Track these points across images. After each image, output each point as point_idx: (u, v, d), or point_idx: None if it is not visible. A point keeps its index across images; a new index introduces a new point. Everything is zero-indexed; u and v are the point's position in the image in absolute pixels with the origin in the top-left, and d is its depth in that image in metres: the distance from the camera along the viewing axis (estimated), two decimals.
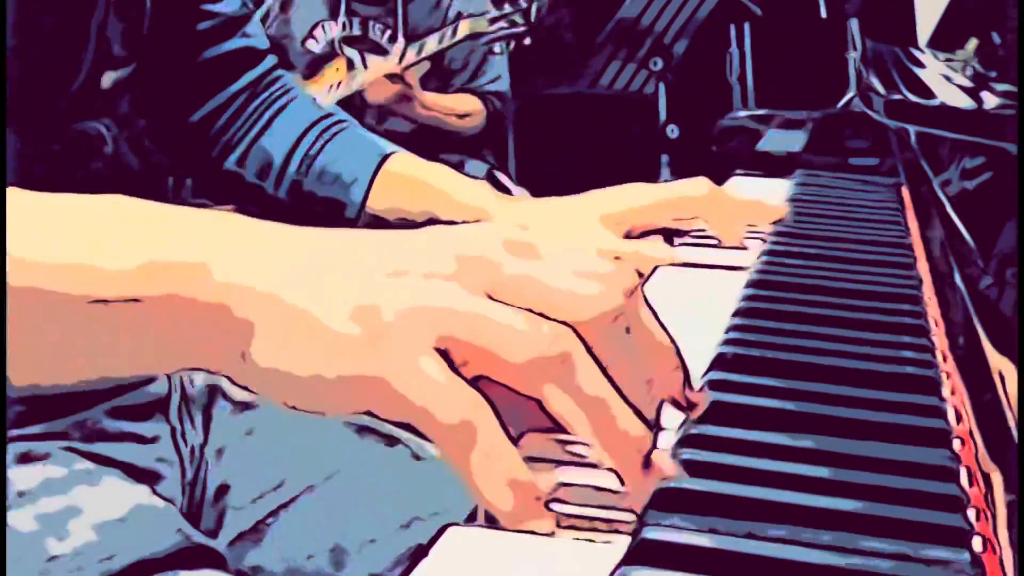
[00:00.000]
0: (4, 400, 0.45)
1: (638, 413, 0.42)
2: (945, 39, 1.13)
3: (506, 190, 2.53)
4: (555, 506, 0.48)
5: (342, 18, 2.60)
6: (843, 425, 0.54)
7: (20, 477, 0.75)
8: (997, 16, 0.93)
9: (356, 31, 2.61)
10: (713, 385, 0.59)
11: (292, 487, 0.86)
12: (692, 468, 0.49)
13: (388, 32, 2.59)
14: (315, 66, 2.57)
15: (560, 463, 0.52)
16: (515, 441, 0.41)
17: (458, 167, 1.14)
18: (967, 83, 0.92)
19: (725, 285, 0.79)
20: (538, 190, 1.51)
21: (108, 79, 0.83)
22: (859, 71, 1.27)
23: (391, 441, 0.89)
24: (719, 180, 0.98)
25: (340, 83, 2.52)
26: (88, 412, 0.81)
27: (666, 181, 1.10)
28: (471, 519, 0.49)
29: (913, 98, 0.97)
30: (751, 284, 0.78)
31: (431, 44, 2.49)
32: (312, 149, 0.97)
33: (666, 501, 0.47)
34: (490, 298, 0.42)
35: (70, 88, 0.79)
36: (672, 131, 3.26)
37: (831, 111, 1.61)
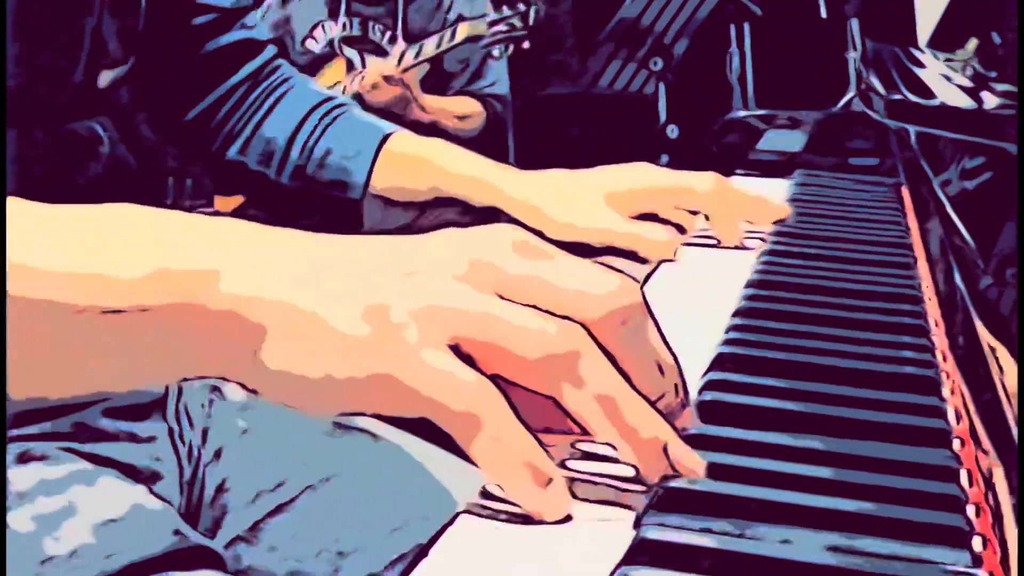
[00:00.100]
0: (3, 401, 0.45)
1: (653, 407, 0.42)
2: (945, 39, 1.13)
3: None
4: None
5: (342, 18, 2.60)
6: (843, 425, 0.54)
7: (17, 477, 0.75)
8: (997, 16, 0.93)
9: (356, 31, 2.61)
10: (713, 385, 0.59)
11: (291, 487, 0.86)
12: None
13: (388, 33, 2.59)
14: (315, 66, 2.57)
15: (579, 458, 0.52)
16: (531, 431, 0.41)
17: None
18: (967, 83, 0.92)
19: (725, 285, 0.79)
20: None
21: (105, 78, 0.83)
22: (859, 71, 1.27)
23: (390, 442, 0.89)
24: None
25: (341, 84, 2.52)
26: (85, 412, 0.81)
27: None
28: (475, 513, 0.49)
29: (913, 98, 0.97)
30: (751, 284, 0.78)
31: (429, 47, 2.49)
32: (313, 133, 0.98)
33: (666, 501, 0.46)
34: (500, 298, 0.42)
35: (66, 88, 0.79)
36: (672, 131, 3.26)
37: (831, 111, 1.61)
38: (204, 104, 0.97)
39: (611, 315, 0.43)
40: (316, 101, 1.01)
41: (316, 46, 2.60)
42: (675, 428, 0.45)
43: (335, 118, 0.99)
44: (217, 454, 0.87)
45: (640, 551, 0.43)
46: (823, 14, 3.14)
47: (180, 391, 0.88)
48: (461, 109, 2.61)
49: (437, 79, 2.61)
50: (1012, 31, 0.87)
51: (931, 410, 0.57)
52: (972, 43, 1.00)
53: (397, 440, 0.91)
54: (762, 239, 0.93)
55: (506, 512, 0.45)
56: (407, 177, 0.96)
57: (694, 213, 0.94)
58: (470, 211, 0.95)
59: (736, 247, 0.92)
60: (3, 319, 0.42)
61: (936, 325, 0.70)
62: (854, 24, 2.77)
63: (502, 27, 2.49)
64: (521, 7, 2.48)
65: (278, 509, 0.85)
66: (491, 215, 0.90)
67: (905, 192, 1.09)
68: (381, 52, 2.56)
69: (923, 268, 0.84)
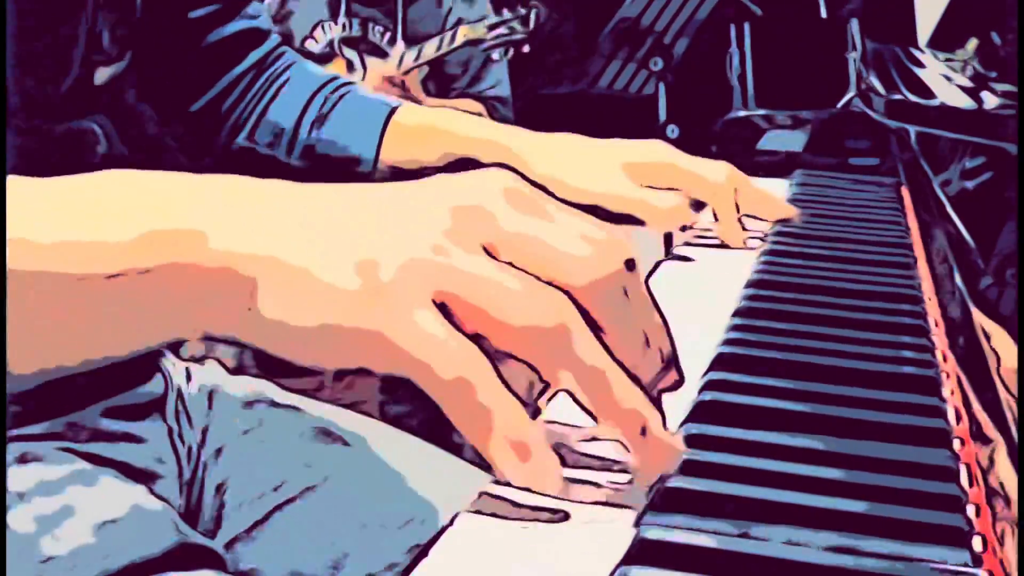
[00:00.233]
0: (4, 401, 0.45)
1: (637, 383, 0.42)
2: (945, 39, 1.13)
3: None
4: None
5: (342, 19, 2.60)
6: (843, 425, 0.54)
7: (16, 477, 0.75)
8: (997, 16, 0.93)
9: (356, 32, 2.61)
10: (713, 385, 0.59)
11: (291, 488, 0.86)
12: (692, 468, 0.48)
13: (388, 34, 2.59)
14: None
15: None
16: (523, 403, 0.41)
17: None
18: (967, 83, 0.92)
19: (725, 285, 0.79)
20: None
21: (101, 75, 0.82)
22: (859, 71, 1.27)
23: (389, 442, 0.89)
24: None
25: None
26: (84, 412, 0.81)
27: None
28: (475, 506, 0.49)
29: (913, 98, 0.97)
30: (751, 284, 0.78)
31: (429, 50, 2.50)
32: (321, 112, 0.99)
33: (666, 501, 0.46)
34: (488, 253, 0.42)
35: (62, 86, 0.79)
36: (672, 131, 3.26)
37: (831, 111, 1.61)
38: (211, 94, 0.98)
39: (597, 283, 0.43)
40: (321, 82, 1.02)
41: (316, 46, 2.60)
42: (660, 409, 0.45)
43: (341, 96, 1.00)
44: (217, 454, 0.87)
45: (640, 551, 0.43)
46: (823, 14, 3.14)
47: (180, 392, 0.88)
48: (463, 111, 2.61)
49: (438, 82, 2.61)
50: (1012, 31, 0.87)
51: (931, 410, 0.57)
52: (972, 43, 1.00)
53: (397, 440, 0.91)
54: (762, 239, 0.93)
55: (513, 503, 0.45)
56: (417, 148, 0.96)
57: (701, 206, 0.95)
58: None
59: (738, 248, 0.92)
60: (3, 319, 0.42)
61: (936, 325, 0.70)
62: (854, 24, 2.77)
63: (502, 30, 2.49)
64: (521, 10, 2.48)
65: (278, 509, 0.85)
66: None
67: (905, 192, 1.09)
68: (381, 53, 2.56)
69: (923, 268, 0.84)
